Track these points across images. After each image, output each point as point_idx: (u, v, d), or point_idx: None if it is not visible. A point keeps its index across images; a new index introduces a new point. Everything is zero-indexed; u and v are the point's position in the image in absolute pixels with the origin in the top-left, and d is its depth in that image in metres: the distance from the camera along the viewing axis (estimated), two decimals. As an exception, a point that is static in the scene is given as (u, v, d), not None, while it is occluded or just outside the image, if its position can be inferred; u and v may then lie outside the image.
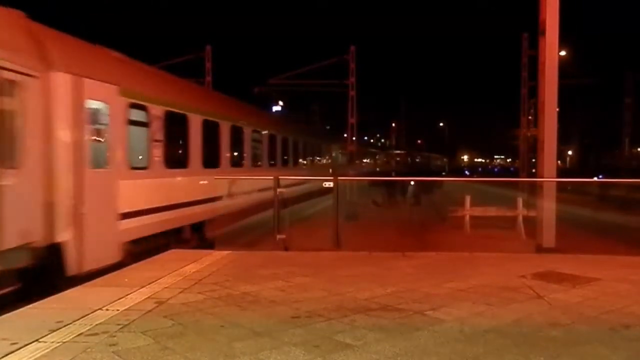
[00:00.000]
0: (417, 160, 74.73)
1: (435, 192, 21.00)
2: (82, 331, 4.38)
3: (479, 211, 13.92)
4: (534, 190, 10.83)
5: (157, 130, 9.46)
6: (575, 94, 33.50)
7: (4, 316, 4.88)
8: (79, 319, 4.68)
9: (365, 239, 10.34)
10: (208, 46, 29.95)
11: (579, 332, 4.49)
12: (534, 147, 12.20)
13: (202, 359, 3.85)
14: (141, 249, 8.60)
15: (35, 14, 7.36)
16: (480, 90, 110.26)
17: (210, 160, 11.76)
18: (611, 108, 44.13)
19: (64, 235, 7.07)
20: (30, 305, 5.23)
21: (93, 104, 7.71)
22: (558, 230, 9.75)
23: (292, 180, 14.49)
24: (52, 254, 6.96)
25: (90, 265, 7.33)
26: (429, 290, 5.86)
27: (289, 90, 32.88)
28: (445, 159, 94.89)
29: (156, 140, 9.39)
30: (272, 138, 16.79)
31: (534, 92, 12.82)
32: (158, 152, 9.49)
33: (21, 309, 5.12)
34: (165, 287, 5.90)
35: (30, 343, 4.09)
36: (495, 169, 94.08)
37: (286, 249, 9.06)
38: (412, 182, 19.48)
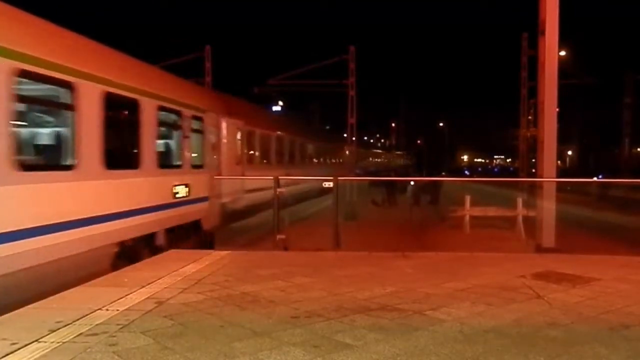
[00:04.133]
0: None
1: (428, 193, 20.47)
2: (82, 331, 4.38)
3: (478, 211, 13.92)
4: (534, 190, 10.83)
5: None
6: (575, 94, 33.51)
7: (4, 316, 4.88)
8: (78, 319, 4.68)
9: (365, 238, 10.34)
10: (207, 46, 30.00)
11: (578, 332, 4.50)
12: (534, 147, 12.21)
13: (202, 359, 3.85)
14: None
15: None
16: (480, 90, 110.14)
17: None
18: (611, 108, 44.11)
19: None
20: (30, 305, 5.22)
21: None
22: (558, 230, 9.76)
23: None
24: None
25: None
26: (429, 290, 5.86)
27: (289, 90, 32.91)
28: (408, 158, 77.68)
29: None
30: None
31: (534, 92, 12.82)
32: None
33: (21, 309, 5.12)
34: (165, 287, 5.91)
35: (30, 343, 4.09)
36: (495, 169, 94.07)
37: (286, 249, 9.07)
38: (412, 182, 19.47)
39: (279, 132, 19.38)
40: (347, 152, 35.21)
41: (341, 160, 33.22)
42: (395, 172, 44.48)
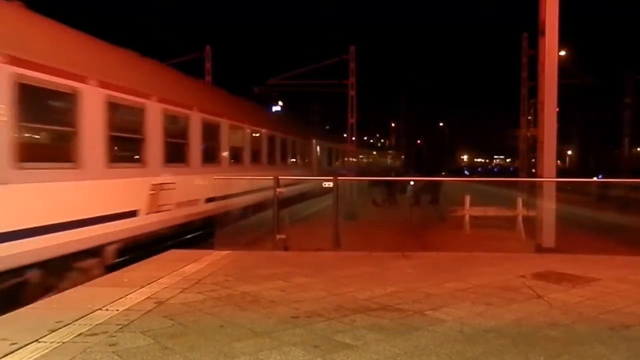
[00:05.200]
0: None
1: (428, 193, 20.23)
2: (81, 331, 4.38)
3: (478, 211, 13.91)
4: (534, 190, 10.83)
5: None
6: (575, 94, 33.47)
7: (4, 316, 4.88)
8: (78, 319, 4.68)
9: (365, 238, 10.34)
10: (208, 46, 29.97)
11: (578, 332, 4.50)
12: (534, 147, 12.22)
13: (202, 359, 3.85)
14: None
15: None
16: (480, 90, 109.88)
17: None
18: (611, 108, 44.15)
19: None
20: (30, 305, 5.23)
21: None
22: (558, 230, 9.75)
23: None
24: None
25: None
26: (429, 290, 5.86)
27: (289, 90, 32.88)
28: (399, 157, 71.45)
29: None
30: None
31: (534, 92, 12.84)
32: None
33: (21, 309, 5.12)
34: (165, 287, 5.91)
35: (30, 343, 4.09)
36: (495, 169, 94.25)
37: (286, 249, 9.06)
38: (412, 182, 19.49)
39: (166, 105, 10.19)
40: (317, 149, 25.10)
41: (306, 160, 23.23)
42: (379, 173, 38.47)
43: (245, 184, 14.03)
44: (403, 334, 4.39)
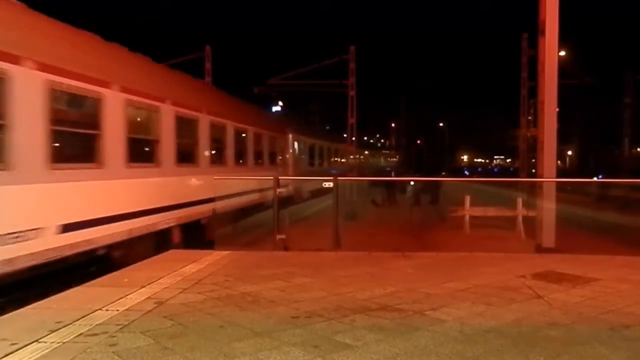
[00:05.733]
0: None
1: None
2: (81, 331, 4.38)
3: (478, 211, 13.90)
4: (534, 190, 10.83)
5: None
6: (575, 94, 33.49)
7: (4, 316, 4.89)
8: (78, 319, 4.68)
9: (365, 239, 10.34)
10: (207, 46, 29.98)
11: (578, 332, 4.50)
12: (534, 147, 12.23)
13: (202, 359, 3.85)
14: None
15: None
16: (480, 90, 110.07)
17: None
18: (611, 108, 44.22)
19: None
20: (30, 306, 5.23)
21: None
22: (558, 230, 9.75)
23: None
24: None
25: None
26: (429, 290, 5.86)
27: (289, 90, 32.89)
28: (393, 157, 68.33)
29: None
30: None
31: (534, 92, 12.83)
32: None
33: (21, 309, 5.12)
34: (165, 287, 5.91)
35: (30, 343, 4.09)
36: (495, 169, 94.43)
37: (286, 249, 9.07)
38: (412, 182, 19.49)
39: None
40: (295, 146, 20.70)
41: (279, 159, 18.60)
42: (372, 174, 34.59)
43: (176, 194, 10.03)
44: (403, 334, 4.39)
